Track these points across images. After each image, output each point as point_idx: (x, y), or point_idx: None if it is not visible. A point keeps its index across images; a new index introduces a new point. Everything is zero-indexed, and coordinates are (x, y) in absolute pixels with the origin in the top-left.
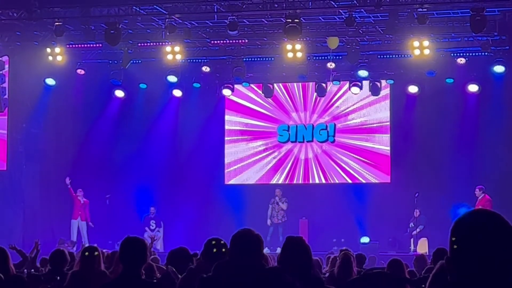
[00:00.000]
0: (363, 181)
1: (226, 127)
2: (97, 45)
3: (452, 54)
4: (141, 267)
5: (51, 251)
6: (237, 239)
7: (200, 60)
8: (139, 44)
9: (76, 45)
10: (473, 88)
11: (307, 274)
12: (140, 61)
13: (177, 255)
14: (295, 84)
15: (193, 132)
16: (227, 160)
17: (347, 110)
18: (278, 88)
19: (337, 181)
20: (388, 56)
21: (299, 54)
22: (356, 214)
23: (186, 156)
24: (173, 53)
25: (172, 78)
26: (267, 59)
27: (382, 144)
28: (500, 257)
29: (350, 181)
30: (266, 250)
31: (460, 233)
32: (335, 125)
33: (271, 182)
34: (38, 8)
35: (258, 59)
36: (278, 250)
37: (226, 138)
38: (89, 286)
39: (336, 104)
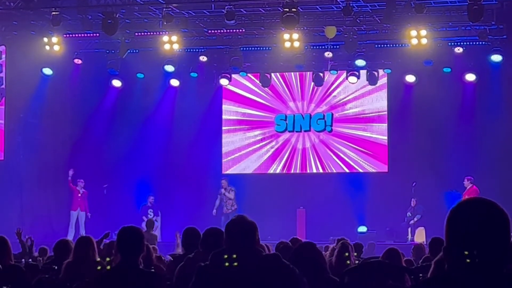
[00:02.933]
0: (361, 171)
1: (224, 116)
2: (94, 34)
3: (449, 43)
4: (139, 256)
5: (56, 241)
6: (231, 227)
7: (197, 50)
8: (136, 34)
9: (73, 35)
10: (470, 77)
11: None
12: (137, 51)
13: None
14: (292, 73)
15: (191, 122)
16: (224, 149)
17: (345, 100)
18: (275, 77)
19: (334, 171)
20: (385, 45)
21: (296, 44)
22: (354, 204)
23: (184, 145)
24: (170, 42)
25: (169, 68)
26: (264, 48)
27: (380, 133)
28: (496, 245)
29: (347, 171)
30: None
31: (456, 222)
32: (332, 114)
33: (268, 172)
34: None
35: (256, 48)
36: None
37: (223, 128)
38: (84, 276)
39: (334, 94)
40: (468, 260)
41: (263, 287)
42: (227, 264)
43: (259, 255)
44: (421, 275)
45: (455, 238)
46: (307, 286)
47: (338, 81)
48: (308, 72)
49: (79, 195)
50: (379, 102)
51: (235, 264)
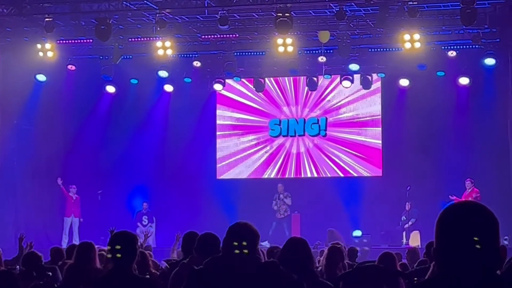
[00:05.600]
0: (355, 175)
1: (218, 121)
2: (88, 40)
3: (442, 47)
4: (132, 262)
5: (50, 248)
6: (233, 232)
7: (191, 55)
8: (130, 40)
9: (67, 41)
10: (464, 81)
11: (306, 270)
12: (131, 57)
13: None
14: (286, 78)
15: (185, 127)
16: (218, 155)
17: (339, 104)
18: (269, 82)
19: (329, 175)
20: (379, 49)
21: (290, 48)
22: (348, 208)
23: (178, 151)
24: (164, 48)
25: (163, 73)
26: (258, 53)
27: (374, 137)
28: (486, 247)
29: (342, 175)
30: (266, 244)
31: (445, 226)
32: (326, 119)
33: (263, 177)
34: (28, 4)
35: (249, 53)
36: None
37: (217, 133)
38: (85, 281)
39: (328, 98)
40: (457, 262)
41: None
42: (237, 251)
43: (257, 263)
44: (415, 279)
45: (445, 241)
46: None
47: (332, 86)
48: (302, 77)
49: (73, 201)
50: (373, 106)
51: (246, 252)
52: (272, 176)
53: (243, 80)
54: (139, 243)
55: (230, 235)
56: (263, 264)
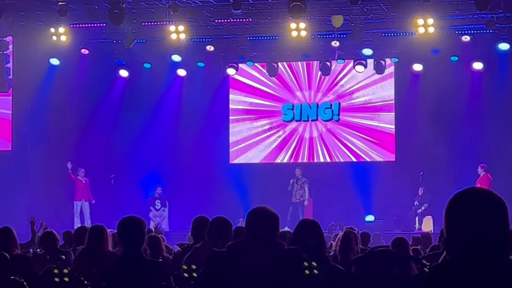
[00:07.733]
0: (368, 160)
1: (231, 106)
2: (101, 24)
3: (456, 32)
4: (141, 246)
5: (42, 234)
6: (252, 218)
7: (204, 39)
8: (143, 24)
9: (80, 25)
10: (478, 65)
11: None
12: (144, 41)
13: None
14: (299, 62)
15: (198, 112)
16: (231, 139)
17: (352, 89)
18: (282, 67)
19: (342, 160)
20: (392, 34)
21: (303, 33)
22: (361, 193)
23: (191, 135)
24: (177, 32)
25: (176, 58)
26: (271, 38)
27: (387, 122)
28: (495, 235)
29: (355, 160)
30: (286, 229)
31: (453, 214)
32: (339, 103)
33: (275, 161)
34: None
35: (262, 38)
36: None
37: (230, 118)
38: (97, 265)
39: (341, 83)
40: (466, 249)
41: (282, 282)
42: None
43: (280, 249)
44: (428, 264)
45: (454, 229)
46: (322, 280)
47: (345, 70)
48: (315, 61)
49: (83, 184)
50: (386, 91)
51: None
52: (285, 160)
53: (256, 64)
54: (153, 226)
55: (251, 220)
56: (286, 251)
